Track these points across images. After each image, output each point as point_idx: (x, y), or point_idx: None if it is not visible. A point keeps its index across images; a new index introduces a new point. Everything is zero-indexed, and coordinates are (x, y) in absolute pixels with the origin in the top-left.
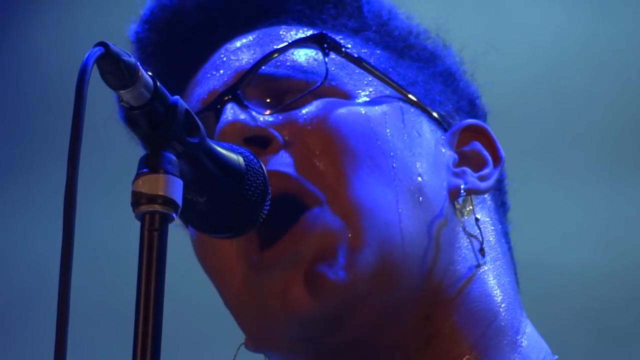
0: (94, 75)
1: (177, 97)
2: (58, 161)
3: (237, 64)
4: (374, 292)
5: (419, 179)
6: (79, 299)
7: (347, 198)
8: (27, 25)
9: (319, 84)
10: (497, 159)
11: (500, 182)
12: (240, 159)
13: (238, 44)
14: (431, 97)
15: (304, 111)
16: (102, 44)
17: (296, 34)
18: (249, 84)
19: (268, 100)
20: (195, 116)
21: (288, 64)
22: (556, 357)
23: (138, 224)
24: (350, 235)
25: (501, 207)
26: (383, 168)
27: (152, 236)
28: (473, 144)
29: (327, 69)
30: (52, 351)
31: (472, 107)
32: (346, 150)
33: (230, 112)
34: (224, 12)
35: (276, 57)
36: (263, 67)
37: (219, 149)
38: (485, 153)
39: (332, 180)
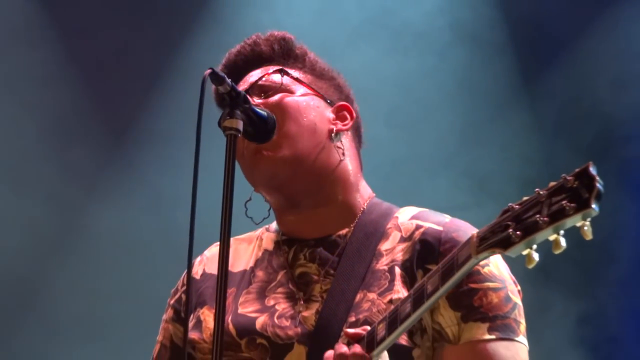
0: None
1: (241, 90)
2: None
3: (250, 80)
4: (289, 168)
5: (315, 123)
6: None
7: (284, 131)
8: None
9: (278, 86)
10: (352, 117)
11: (357, 127)
12: (265, 113)
13: (253, 72)
14: (328, 94)
15: (272, 99)
16: (210, 68)
17: (274, 68)
18: (253, 87)
19: (261, 94)
20: (248, 97)
21: (270, 80)
22: (374, 194)
23: None
24: (281, 143)
25: (358, 138)
26: (301, 118)
27: (231, 143)
28: (343, 112)
29: (282, 82)
30: None
31: (347, 99)
32: (288, 112)
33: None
34: (251, 61)
35: (264, 78)
36: (258, 82)
37: (257, 109)
38: (347, 115)
39: (280, 124)
